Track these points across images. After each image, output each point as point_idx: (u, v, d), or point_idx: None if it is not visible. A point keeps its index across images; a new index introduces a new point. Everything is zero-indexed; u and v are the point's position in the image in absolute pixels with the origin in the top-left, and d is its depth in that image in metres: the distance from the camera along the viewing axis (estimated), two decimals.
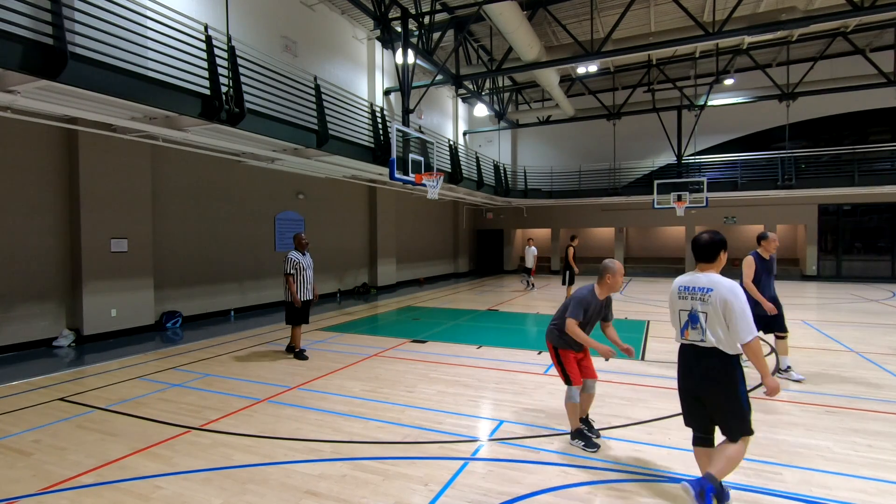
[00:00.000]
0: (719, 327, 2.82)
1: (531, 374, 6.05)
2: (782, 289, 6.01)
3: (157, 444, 4.05)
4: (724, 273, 2.99)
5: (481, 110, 18.81)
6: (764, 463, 3.62)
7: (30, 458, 3.79)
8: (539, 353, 7.16)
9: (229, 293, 11.12)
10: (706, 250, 2.98)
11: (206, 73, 7.10)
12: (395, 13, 11.45)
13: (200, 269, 10.43)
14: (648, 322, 9.71)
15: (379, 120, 11.24)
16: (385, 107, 14.95)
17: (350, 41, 14.22)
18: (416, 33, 11.55)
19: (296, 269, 6.89)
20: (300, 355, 6.95)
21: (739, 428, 2.84)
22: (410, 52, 10.88)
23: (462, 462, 3.68)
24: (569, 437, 4.02)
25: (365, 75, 14.91)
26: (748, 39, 15.24)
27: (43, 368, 6.49)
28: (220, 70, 7.22)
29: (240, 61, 7.61)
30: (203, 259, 10.48)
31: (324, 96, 9.54)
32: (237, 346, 7.86)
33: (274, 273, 12.07)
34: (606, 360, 3.83)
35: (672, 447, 3.91)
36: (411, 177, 9.85)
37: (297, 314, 7.02)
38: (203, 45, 7.10)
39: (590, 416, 4.23)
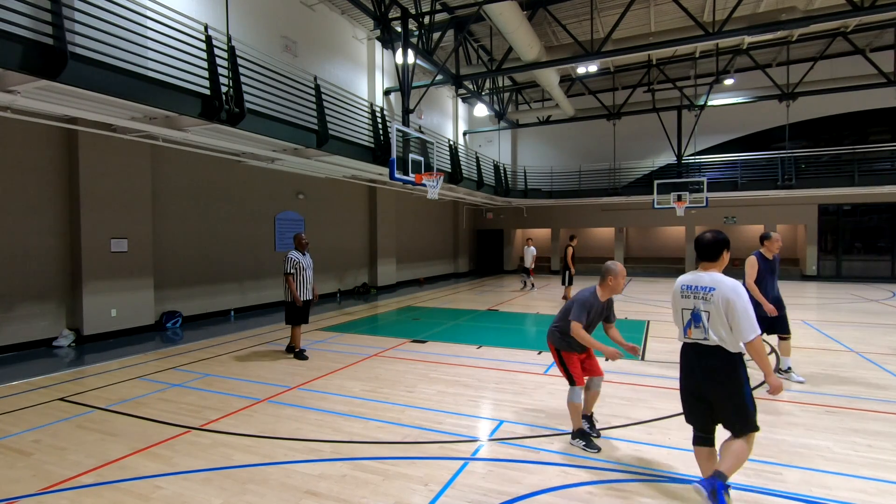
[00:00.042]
0: (721, 326, 2.83)
1: (531, 374, 6.05)
2: (782, 289, 6.01)
3: (157, 444, 4.05)
4: (725, 273, 3.00)
5: (481, 110, 18.81)
6: (764, 463, 3.62)
7: (30, 458, 3.79)
8: (539, 353, 7.16)
9: (229, 293, 11.12)
10: (709, 249, 3.00)
11: (206, 73, 7.10)
12: (395, 13, 11.45)
13: (200, 269, 10.43)
14: (648, 322, 9.71)
15: (379, 120, 11.24)
16: (385, 107, 14.95)
17: (350, 41, 14.22)
18: (416, 33, 11.55)
19: (296, 268, 6.89)
20: (300, 355, 6.95)
21: (744, 425, 2.84)
22: (410, 52, 10.88)
23: (462, 462, 3.68)
24: (569, 437, 4.03)
25: (365, 75, 14.91)
26: (748, 39, 15.24)
27: (43, 368, 6.49)
28: (220, 70, 7.22)
29: (240, 61, 7.61)
30: (203, 259, 10.48)
31: (324, 96, 9.53)
32: (237, 346, 7.86)
33: (274, 273, 12.07)
34: (613, 360, 3.80)
35: (672, 447, 3.91)
36: (411, 177, 9.85)
37: (296, 314, 7.02)
38: (203, 45, 7.10)
39: (594, 415, 4.25)
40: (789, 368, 5.76)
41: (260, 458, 3.76)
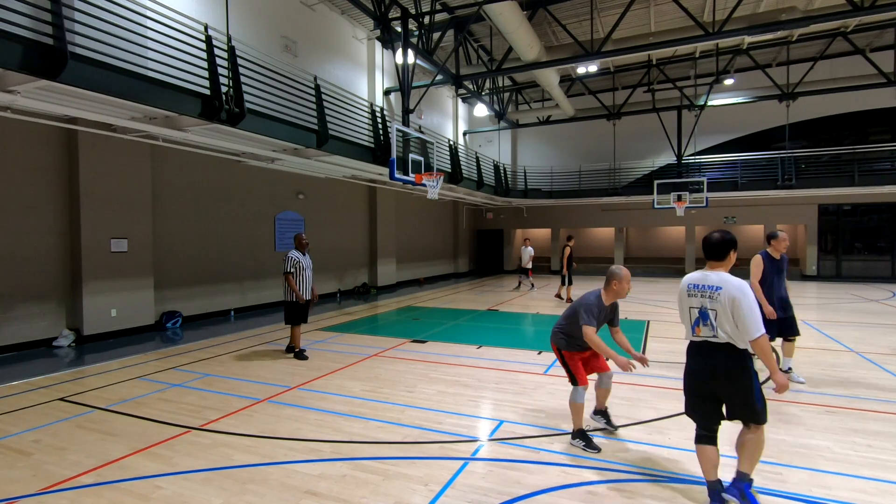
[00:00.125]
0: (728, 324, 2.89)
1: (531, 374, 6.05)
2: None
3: (157, 444, 4.05)
4: (731, 273, 3.04)
5: (481, 110, 18.81)
6: (764, 463, 3.61)
7: (30, 458, 3.79)
8: (539, 353, 7.16)
9: (229, 293, 11.11)
10: (716, 249, 3.05)
11: (206, 73, 7.10)
12: (395, 13, 11.45)
13: (200, 269, 10.43)
14: (648, 322, 9.71)
15: (379, 120, 11.24)
16: (385, 107, 14.95)
17: (350, 41, 14.22)
18: (416, 33, 11.55)
19: (295, 267, 6.90)
20: (300, 355, 6.95)
21: (756, 417, 2.91)
22: (410, 52, 10.88)
23: (462, 462, 3.68)
24: (569, 437, 4.03)
25: (365, 75, 14.91)
26: (748, 39, 15.24)
27: (43, 368, 6.49)
28: (220, 70, 7.22)
29: (240, 61, 7.61)
30: (203, 259, 10.48)
31: (324, 96, 9.53)
32: (237, 346, 7.86)
33: (274, 273, 12.07)
34: (625, 371, 3.74)
35: (673, 447, 3.91)
36: (411, 177, 9.85)
37: (296, 314, 7.02)
38: (203, 45, 7.10)
39: (608, 409, 4.32)
40: (790, 369, 5.75)
41: (260, 458, 3.76)
